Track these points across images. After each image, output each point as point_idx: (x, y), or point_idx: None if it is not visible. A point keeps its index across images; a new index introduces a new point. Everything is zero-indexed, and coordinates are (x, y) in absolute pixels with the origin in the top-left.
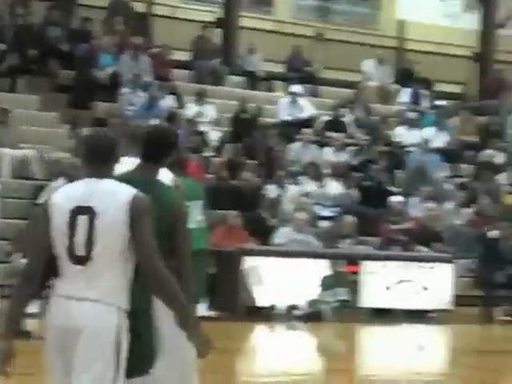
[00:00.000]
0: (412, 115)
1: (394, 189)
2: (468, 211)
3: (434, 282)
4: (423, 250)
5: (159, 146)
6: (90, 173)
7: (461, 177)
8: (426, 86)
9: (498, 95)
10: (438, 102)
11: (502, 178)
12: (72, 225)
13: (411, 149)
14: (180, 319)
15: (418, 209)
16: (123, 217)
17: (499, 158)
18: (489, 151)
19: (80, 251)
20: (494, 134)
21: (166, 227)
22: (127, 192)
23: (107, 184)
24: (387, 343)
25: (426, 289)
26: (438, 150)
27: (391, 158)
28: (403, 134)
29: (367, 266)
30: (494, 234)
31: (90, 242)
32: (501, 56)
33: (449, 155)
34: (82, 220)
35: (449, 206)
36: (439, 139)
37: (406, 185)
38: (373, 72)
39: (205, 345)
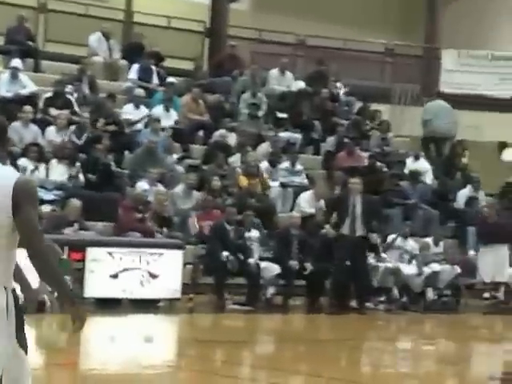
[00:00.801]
0: (141, 92)
1: (121, 170)
2: (199, 194)
3: (163, 270)
4: (157, 236)
5: None
6: None
7: (191, 158)
8: (155, 62)
9: (230, 72)
10: (169, 79)
11: (234, 159)
12: None
13: (140, 128)
14: (62, 296)
15: (147, 193)
16: (7, 200)
17: (231, 138)
18: (221, 131)
19: None
20: (226, 114)
21: None
22: (11, 175)
23: None
24: (113, 335)
25: (154, 277)
26: (168, 130)
27: (118, 137)
28: (131, 113)
29: (92, 253)
30: (219, 218)
31: None
32: (232, 31)
33: (179, 135)
34: None
35: (178, 189)
36: (169, 118)
37: (133, 166)
38: (99, 46)
39: (82, 320)
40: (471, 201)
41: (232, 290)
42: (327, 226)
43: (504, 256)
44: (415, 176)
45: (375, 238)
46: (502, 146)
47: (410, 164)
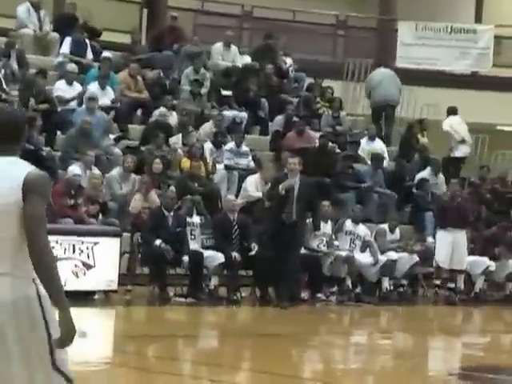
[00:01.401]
0: (74, 68)
1: (53, 152)
2: (137, 178)
3: (98, 260)
4: (92, 223)
5: None
6: None
7: (129, 139)
8: (89, 35)
9: (171, 46)
10: (104, 54)
11: (175, 140)
12: None
13: (73, 107)
14: (55, 298)
15: (80, 177)
16: (16, 193)
17: (172, 117)
18: (161, 110)
19: None
20: (167, 91)
21: None
22: (24, 167)
23: (7, 161)
24: None
25: (89, 267)
26: (104, 109)
27: (50, 116)
28: (64, 90)
29: None
30: (157, 203)
31: None
32: (173, 1)
33: (116, 114)
34: None
35: (115, 172)
36: (105, 96)
37: (66, 148)
38: (28, 18)
39: (71, 332)
40: (424, 183)
41: (173, 281)
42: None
43: (462, 242)
44: (378, 159)
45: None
46: (449, 111)
47: (365, 145)
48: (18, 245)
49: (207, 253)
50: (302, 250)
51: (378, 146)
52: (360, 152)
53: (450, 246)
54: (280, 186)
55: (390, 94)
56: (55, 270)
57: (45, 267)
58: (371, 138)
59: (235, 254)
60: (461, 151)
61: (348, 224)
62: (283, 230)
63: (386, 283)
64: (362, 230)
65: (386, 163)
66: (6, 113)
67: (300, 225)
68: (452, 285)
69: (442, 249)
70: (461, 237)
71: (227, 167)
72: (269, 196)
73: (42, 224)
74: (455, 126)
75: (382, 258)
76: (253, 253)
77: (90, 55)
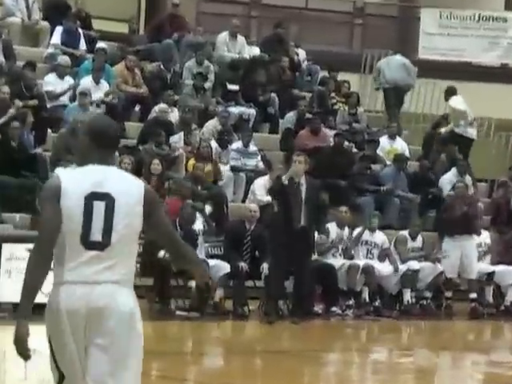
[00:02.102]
0: (66, 60)
1: (43, 152)
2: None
3: None
4: None
5: None
6: (98, 159)
7: (126, 138)
8: (83, 24)
9: (172, 36)
10: (99, 44)
11: (176, 138)
12: (88, 211)
13: (65, 102)
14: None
15: None
16: (139, 204)
17: (173, 114)
18: (161, 106)
19: (97, 237)
20: (168, 85)
21: None
22: (138, 180)
23: (117, 171)
24: (35, 347)
25: None
26: (98, 104)
27: (39, 113)
28: (54, 84)
29: (8, 251)
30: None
31: (108, 229)
32: None
33: (111, 111)
34: (99, 206)
35: None
36: (99, 91)
37: (57, 147)
38: (15, 5)
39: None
40: (450, 185)
41: (175, 293)
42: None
43: (471, 250)
44: (401, 159)
45: (317, 235)
46: (451, 91)
47: (385, 144)
48: (131, 254)
49: (212, 262)
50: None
51: (399, 145)
52: (379, 152)
53: (457, 256)
54: (283, 177)
55: (399, 75)
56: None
57: (187, 261)
58: (391, 137)
59: (242, 265)
60: (470, 133)
61: (365, 233)
62: (294, 237)
63: (408, 295)
64: (379, 237)
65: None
66: (108, 120)
67: (310, 231)
68: (473, 295)
69: (448, 258)
70: (469, 245)
71: (233, 169)
72: (272, 192)
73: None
74: (460, 105)
75: (403, 268)
76: (266, 271)
77: (83, 46)
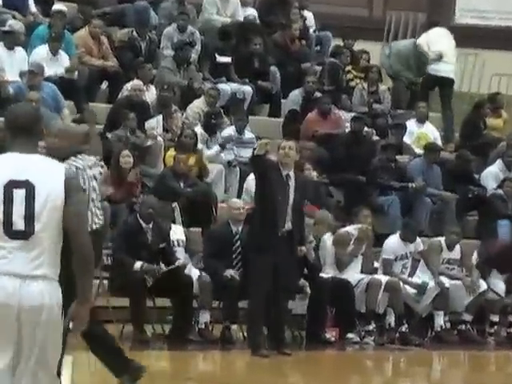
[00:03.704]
0: (14, 26)
1: None
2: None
3: None
4: None
5: None
6: (18, 147)
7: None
8: None
9: None
10: (56, 6)
11: (153, 123)
12: (8, 199)
13: (14, 78)
14: (82, 295)
15: None
16: (60, 191)
17: (150, 93)
18: (134, 83)
19: (20, 226)
20: (142, 57)
21: None
22: (60, 167)
23: (38, 158)
24: None
25: None
26: (55, 81)
27: None
28: (1, 56)
29: None
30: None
31: (30, 216)
32: None
33: (72, 89)
34: (19, 194)
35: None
36: (57, 64)
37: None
38: None
39: (83, 325)
40: (498, 181)
41: (153, 316)
42: None
43: None
44: (433, 149)
45: (306, 249)
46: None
47: (413, 129)
48: (55, 244)
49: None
50: (327, 274)
51: (430, 130)
52: (406, 139)
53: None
54: (256, 149)
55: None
56: (93, 269)
57: (86, 265)
58: (421, 121)
59: (231, 273)
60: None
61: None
62: (277, 244)
63: (441, 319)
64: (411, 246)
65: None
66: (23, 106)
67: (295, 237)
68: None
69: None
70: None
71: (225, 161)
72: (253, 164)
73: (85, 223)
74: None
75: (435, 285)
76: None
77: (33, 8)
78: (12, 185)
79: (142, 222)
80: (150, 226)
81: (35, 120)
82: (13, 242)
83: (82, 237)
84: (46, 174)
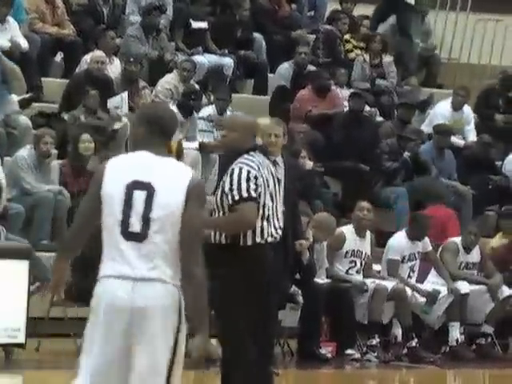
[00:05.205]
0: None
1: None
2: (57, 164)
3: None
4: None
5: None
6: (150, 147)
7: (43, 101)
8: None
9: None
10: None
11: (117, 101)
12: (127, 200)
13: None
14: (199, 322)
15: None
16: (181, 197)
17: (113, 66)
18: (95, 54)
19: (135, 228)
20: (104, 24)
21: None
22: (186, 172)
23: (166, 161)
24: None
25: None
26: (4, 54)
27: None
28: None
29: None
30: None
31: (147, 220)
32: None
33: (22, 62)
34: (139, 195)
35: (21, 155)
36: (4, 33)
37: None
38: None
39: (202, 358)
40: None
41: None
42: None
43: None
44: (443, 132)
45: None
46: None
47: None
48: (171, 249)
49: None
50: (321, 280)
51: (442, 110)
52: (416, 121)
53: None
54: None
55: None
56: (204, 290)
57: (195, 284)
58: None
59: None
60: None
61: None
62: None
63: (456, 331)
64: (420, 245)
65: (457, 140)
66: (164, 109)
67: (291, 235)
68: None
69: None
70: None
71: (202, 146)
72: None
73: (201, 234)
74: None
75: (449, 292)
76: None
77: None
78: (134, 186)
79: None
80: None
81: (175, 122)
82: (127, 244)
83: (193, 261)
84: (169, 179)
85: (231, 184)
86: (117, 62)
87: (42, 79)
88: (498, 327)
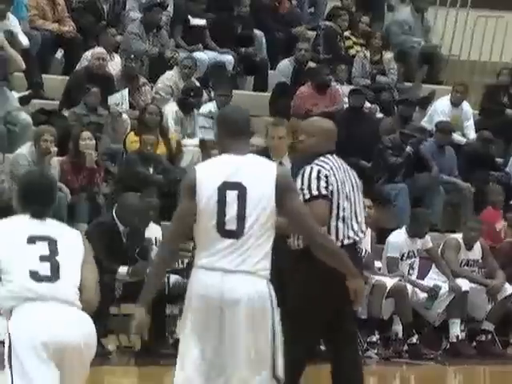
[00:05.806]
0: None
1: None
2: (58, 162)
3: None
4: None
5: None
6: (234, 149)
7: (44, 98)
8: None
9: None
10: None
11: (118, 98)
12: (221, 200)
13: None
14: (349, 272)
15: None
16: (271, 192)
17: (114, 63)
18: (95, 51)
19: (231, 226)
20: (105, 20)
21: None
22: (271, 166)
23: (251, 159)
24: None
25: None
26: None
27: None
28: None
29: None
30: None
31: (241, 217)
32: None
33: (23, 57)
34: (231, 195)
35: (21, 152)
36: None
37: None
38: None
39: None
40: None
41: (117, 326)
42: None
43: None
44: (444, 129)
45: None
46: None
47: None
48: (265, 241)
49: (173, 278)
50: None
51: (442, 106)
52: (416, 117)
53: None
54: None
55: None
56: (337, 250)
57: (333, 254)
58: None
59: None
60: None
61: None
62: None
63: (457, 328)
64: (419, 242)
65: (459, 137)
66: (238, 109)
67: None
68: None
69: None
70: None
71: (203, 143)
72: None
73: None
74: None
75: (450, 288)
76: None
77: None
78: (226, 187)
79: (119, 223)
80: (128, 228)
81: (249, 122)
82: (224, 241)
83: (316, 233)
84: (257, 176)
85: (302, 183)
86: (117, 58)
87: (43, 76)
88: (498, 324)
